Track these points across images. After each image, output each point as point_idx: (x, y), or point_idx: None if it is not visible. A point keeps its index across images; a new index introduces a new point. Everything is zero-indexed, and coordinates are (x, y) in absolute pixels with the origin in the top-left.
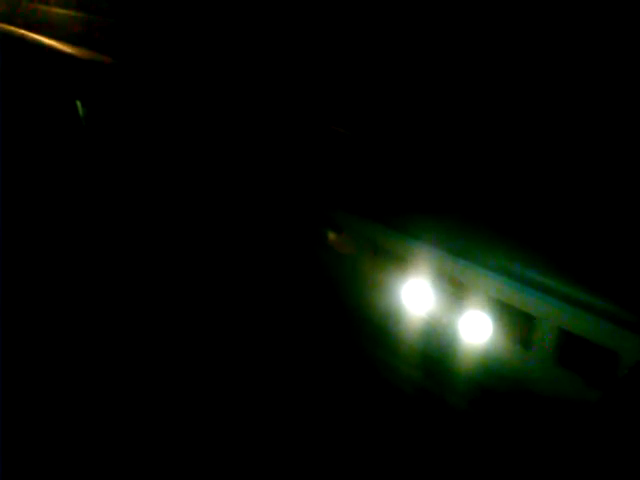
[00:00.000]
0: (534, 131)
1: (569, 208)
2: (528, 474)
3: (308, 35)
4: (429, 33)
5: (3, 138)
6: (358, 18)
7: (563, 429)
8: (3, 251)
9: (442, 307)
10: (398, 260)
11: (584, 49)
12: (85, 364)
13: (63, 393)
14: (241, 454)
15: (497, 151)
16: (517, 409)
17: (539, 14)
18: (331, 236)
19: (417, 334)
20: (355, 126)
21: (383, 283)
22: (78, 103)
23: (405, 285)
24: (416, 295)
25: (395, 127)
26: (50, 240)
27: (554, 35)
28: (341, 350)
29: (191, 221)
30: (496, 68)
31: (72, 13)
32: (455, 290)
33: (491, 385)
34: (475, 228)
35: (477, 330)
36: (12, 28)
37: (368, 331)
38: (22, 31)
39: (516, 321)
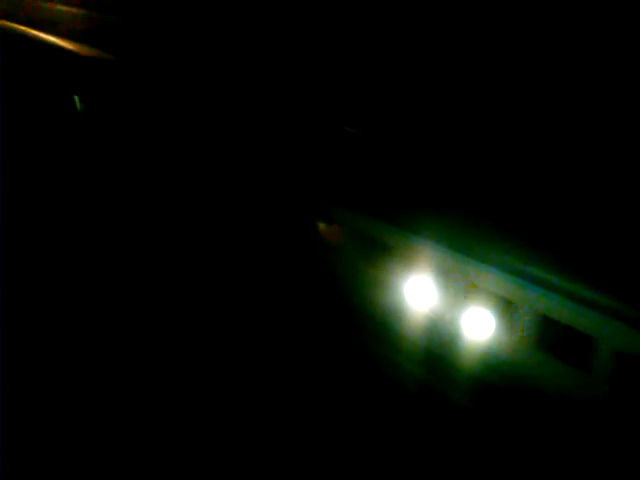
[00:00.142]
0: (537, 127)
1: (572, 203)
2: (530, 470)
3: (313, 34)
4: (431, 33)
5: (3, 134)
6: (366, 17)
7: (566, 426)
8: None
9: (445, 304)
10: (400, 257)
11: (584, 48)
12: (84, 363)
13: (63, 393)
14: (241, 452)
15: (500, 147)
16: (520, 406)
17: (542, 13)
18: (322, 226)
19: (419, 331)
20: (357, 123)
21: (385, 280)
22: (76, 98)
23: (407, 282)
24: (419, 292)
25: (397, 124)
26: (46, 233)
27: (555, 32)
28: (343, 346)
29: (189, 216)
30: (498, 66)
31: (74, 10)
32: (458, 287)
33: (494, 381)
34: (478, 224)
35: (480, 327)
36: (13, 25)
37: (370, 328)
38: (23, 28)
39: (519, 319)
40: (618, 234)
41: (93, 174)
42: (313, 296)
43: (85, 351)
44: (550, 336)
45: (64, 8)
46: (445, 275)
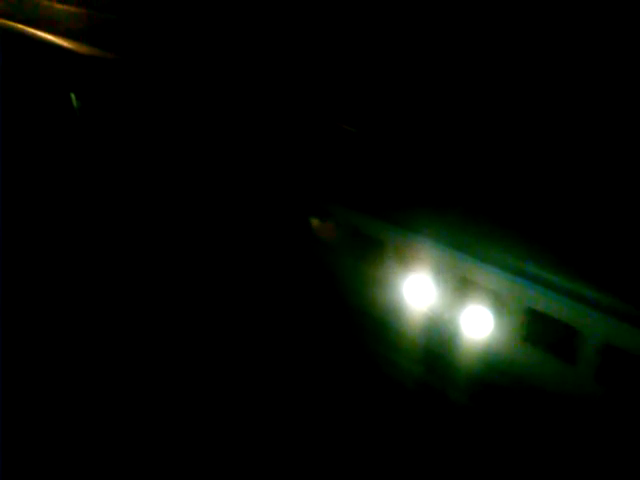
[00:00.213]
0: (537, 125)
1: (572, 202)
2: (529, 468)
3: (312, 32)
4: (432, 33)
5: (3, 132)
6: (365, 16)
7: (565, 424)
8: None
9: (443, 302)
10: (399, 255)
11: (584, 48)
12: (83, 364)
13: (63, 393)
14: (241, 449)
15: (500, 145)
16: (519, 404)
17: (543, 12)
18: (315, 222)
19: (418, 329)
20: (357, 121)
21: (384, 278)
22: (72, 96)
23: (406, 280)
24: (417, 290)
25: (396, 122)
26: (41, 229)
27: (556, 30)
28: (342, 345)
29: (185, 210)
30: (497, 64)
31: (72, 9)
32: (457, 285)
33: (493, 380)
34: (477, 222)
35: (479, 325)
36: (12, 23)
37: (369, 326)
38: (21, 26)
39: (520, 317)
40: (612, 233)
41: (89, 169)
42: (309, 294)
43: (83, 350)
44: (549, 335)
45: (63, 7)
46: (444, 273)
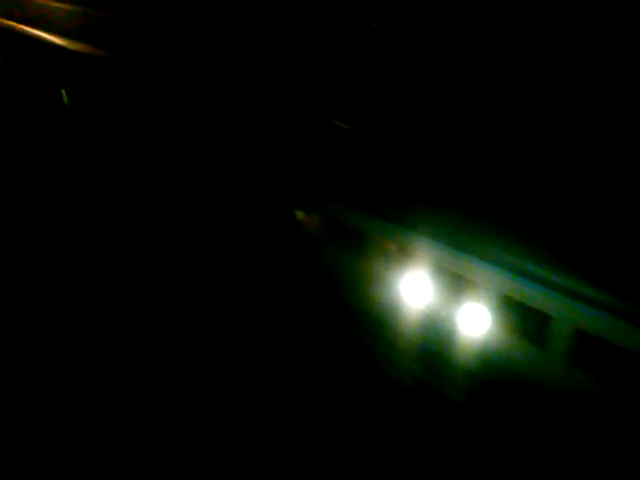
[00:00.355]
0: (535, 123)
1: (568, 201)
2: (527, 466)
3: (305, 28)
4: (430, 31)
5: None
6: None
7: (563, 421)
8: None
9: (441, 300)
10: (397, 253)
11: (584, 48)
12: (82, 363)
13: (63, 392)
14: (241, 447)
15: (497, 144)
16: (516, 401)
17: (541, 12)
18: (299, 215)
19: (416, 327)
20: (355, 120)
21: (381, 276)
22: (63, 92)
23: (404, 278)
24: (415, 288)
25: (394, 120)
26: (33, 222)
27: (554, 31)
28: (339, 343)
29: (176, 204)
30: (494, 63)
31: (68, 7)
32: (454, 283)
33: (490, 377)
34: (474, 221)
35: (476, 323)
36: (10, 23)
37: (367, 325)
38: (19, 25)
39: (518, 315)
40: (604, 228)
41: (80, 163)
42: (312, 296)
43: (81, 349)
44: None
45: (59, 5)
46: (441, 271)
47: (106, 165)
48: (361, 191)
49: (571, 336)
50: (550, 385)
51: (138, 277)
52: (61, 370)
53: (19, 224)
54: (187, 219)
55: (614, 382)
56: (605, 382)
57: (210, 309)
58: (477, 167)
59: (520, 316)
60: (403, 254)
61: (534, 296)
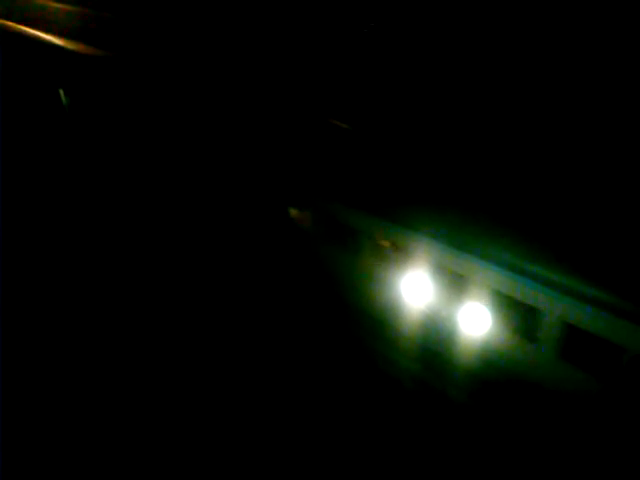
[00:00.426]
0: (535, 123)
1: (568, 201)
2: (527, 465)
3: (304, 28)
4: (431, 30)
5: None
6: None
7: (562, 421)
8: None
9: (441, 300)
10: (397, 252)
11: (580, 48)
12: (82, 362)
13: (62, 392)
14: (240, 446)
15: (498, 144)
16: (516, 401)
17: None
18: (293, 212)
19: (416, 327)
20: (355, 119)
21: (382, 276)
22: (61, 92)
23: (405, 278)
24: (415, 288)
25: (394, 120)
26: (31, 221)
27: (554, 31)
28: (339, 342)
29: (172, 202)
30: (495, 62)
31: (68, 7)
32: (454, 282)
33: (490, 377)
34: (475, 221)
35: (476, 322)
36: (9, 23)
37: (367, 324)
38: (19, 26)
39: (517, 314)
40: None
41: (77, 162)
42: (312, 296)
43: (81, 348)
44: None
45: (59, 6)
46: (441, 271)
47: (103, 164)
48: (361, 191)
49: (561, 330)
50: (550, 385)
51: (136, 274)
52: (60, 370)
53: (17, 223)
54: (185, 217)
55: (614, 381)
56: (605, 381)
57: (208, 306)
58: (477, 167)
59: (520, 315)
60: (403, 254)
61: (534, 295)
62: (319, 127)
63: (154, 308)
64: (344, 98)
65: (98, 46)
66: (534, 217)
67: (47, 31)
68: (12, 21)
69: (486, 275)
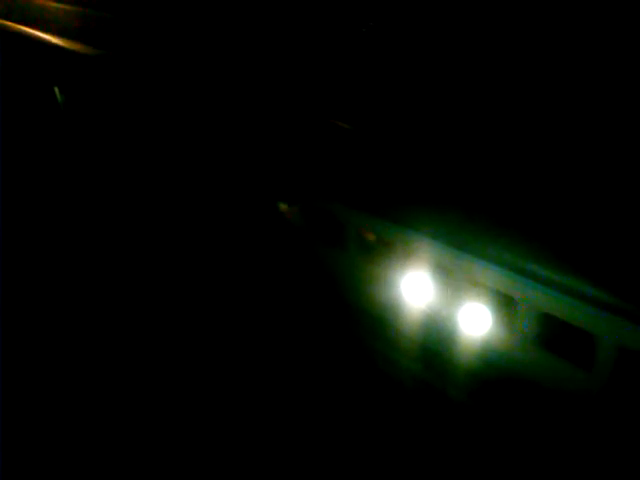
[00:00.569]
0: (535, 123)
1: (570, 200)
2: (528, 466)
3: (302, 27)
4: (431, 29)
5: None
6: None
7: (563, 421)
8: None
9: (441, 299)
10: (397, 252)
11: (583, 47)
12: (81, 363)
13: (62, 393)
14: (239, 446)
15: (498, 143)
16: (517, 401)
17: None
18: (282, 207)
19: (416, 327)
20: (355, 119)
21: (382, 276)
22: (56, 89)
23: (404, 277)
24: (415, 287)
25: (394, 119)
26: (25, 221)
27: (554, 31)
28: (339, 342)
29: (168, 205)
30: (495, 62)
31: (68, 7)
32: (454, 282)
33: (491, 377)
34: (476, 220)
35: (476, 322)
36: (8, 23)
37: (367, 324)
38: (18, 26)
39: (518, 314)
40: (614, 231)
41: (73, 160)
42: (312, 296)
43: (79, 349)
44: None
45: (59, 5)
46: (442, 271)
47: (97, 159)
48: (362, 191)
49: (537, 318)
50: (550, 384)
51: (129, 271)
52: (60, 370)
53: (12, 219)
54: (183, 214)
55: (616, 381)
56: (606, 381)
57: (205, 304)
58: (478, 166)
59: (520, 315)
60: (404, 253)
61: (535, 295)
62: (319, 127)
63: (147, 305)
64: (342, 97)
65: (95, 45)
66: (534, 216)
67: (45, 30)
68: (11, 21)
69: (487, 275)
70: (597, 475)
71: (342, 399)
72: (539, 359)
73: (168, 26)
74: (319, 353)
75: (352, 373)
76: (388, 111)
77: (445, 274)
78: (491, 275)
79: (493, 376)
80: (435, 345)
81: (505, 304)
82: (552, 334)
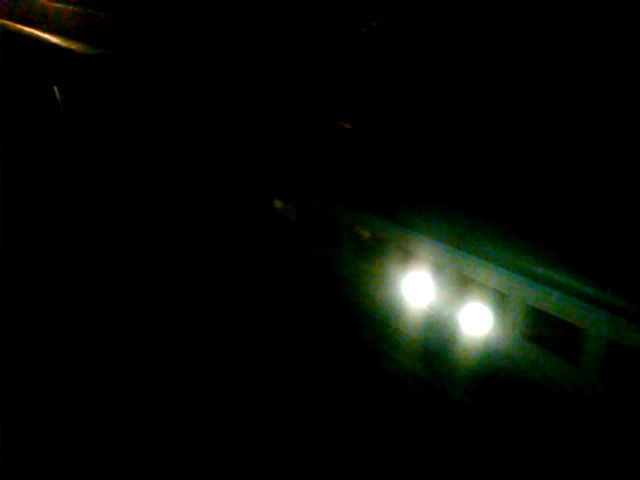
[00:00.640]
0: (538, 122)
1: (571, 200)
2: (529, 466)
3: (304, 27)
4: (432, 29)
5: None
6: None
7: (563, 421)
8: None
9: (443, 299)
10: (399, 252)
11: (584, 48)
12: (80, 362)
13: (62, 392)
14: (242, 447)
15: (499, 143)
16: (518, 401)
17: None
18: (278, 204)
19: (418, 326)
20: (356, 119)
21: (384, 276)
22: (55, 88)
23: (406, 277)
24: (417, 287)
25: (395, 119)
26: (22, 215)
27: (554, 30)
28: (341, 342)
29: (165, 202)
30: (495, 62)
31: (70, 7)
32: (456, 282)
33: (493, 377)
34: (477, 220)
35: (478, 322)
36: (8, 22)
37: (369, 324)
38: (18, 25)
39: (515, 313)
40: (614, 231)
41: (71, 158)
42: (313, 296)
43: (78, 349)
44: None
45: (61, 6)
46: (443, 271)
47: (95, 157)
48: (363, 191)
49: (525, 313)
50: (551, 385)
51: (123, 267)
52: (60, 370)
53: (10, 217)
54: (181, 208)
55: (618, 384)
56: (609, 383)
57: (201, 300)
58: (478, 166)
59: (518, 314)
60: (406, 253)
61: (536, 296)
62: (321, 127)
63: (142, 303)
64: (342, 96)
65: (93, 45)
66: (534, 216)
67: (44, 30)
68: (12, 20)
69: (489, 275)
70: (597, 475)
71: (345, 397)
72: (529, 354)
73: (167, 23)
74: (314, 349)
75: (353, 371)
76: (388, 111)
77: (435, 269)
78: (482, 271)
79: (495, 377)
80: (437, 345)
81: (494, 299)
82: (542, 329)
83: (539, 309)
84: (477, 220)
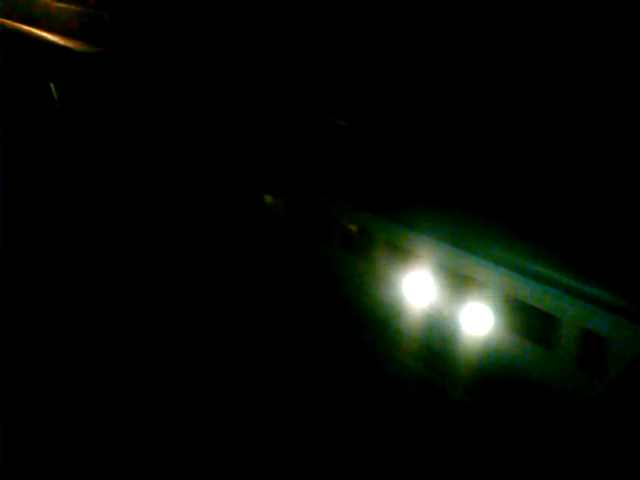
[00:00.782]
0: (538, 123)
1: (571, 201)
2: (528, 464)
3: (306, 26)
4: (432, 29)
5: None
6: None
7: (563, 421)
8: None
9: (444, 299)
10: (400, 252)
11: (584, 48)
12: (80, 362)
13: (62, 392)
14: (242, 446)
15: (500, 143)
16: (518, 400)
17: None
18: (268, 199)
19: (419, 326)
20: (356, 118)
21: (385, 276)
22: (52, 86)
23: (407, 277)
24: (418, 287)
25: (395, 119)
26: (20, 212)
27: (554, 30)
28: (341, 341)
29: (161, 199)
30: (495, 62)
31: (72, 7)
32: (456, 282)
33: (492, 376)
34: (477, 221)
35: (478, 322)
36: (7, 22)
37: (370, 324)
38: (17, 24)
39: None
40: (612, 230)
41: (68, 153)
42: (313, 296)
43: (77, 349)
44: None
45: (62, 5)
46: (443, 271)
47: (92, 154)
48: (364, 191)
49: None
50: (551, 384)
51: (119, 262)
52: (60, 369)
53: (8, 214)
54: (176, 204)
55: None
56: (607, 383)
57: (197, 298)
58: (479, 166)
59: (523, 315)
60: (407, 253)
61: (536, 295)
62: (321, 126)
63: (138, 300)
64: (345, 96)
65: (91, 43)
66: (534, 217)
67: (43, 29)
68: (11, 19)
69: (490, 275)
70: (597, 475)
71: (346, 397)
72: (506, 341)
73: (166, 21)
74: (314, 349)
75: (354, 371)
76: (388, 110)
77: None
78: (482, 271)
79: (495, 376)
80: (438, 345)
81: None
82: (522, 318)
83: (505, 293)
84: (477, 220)
